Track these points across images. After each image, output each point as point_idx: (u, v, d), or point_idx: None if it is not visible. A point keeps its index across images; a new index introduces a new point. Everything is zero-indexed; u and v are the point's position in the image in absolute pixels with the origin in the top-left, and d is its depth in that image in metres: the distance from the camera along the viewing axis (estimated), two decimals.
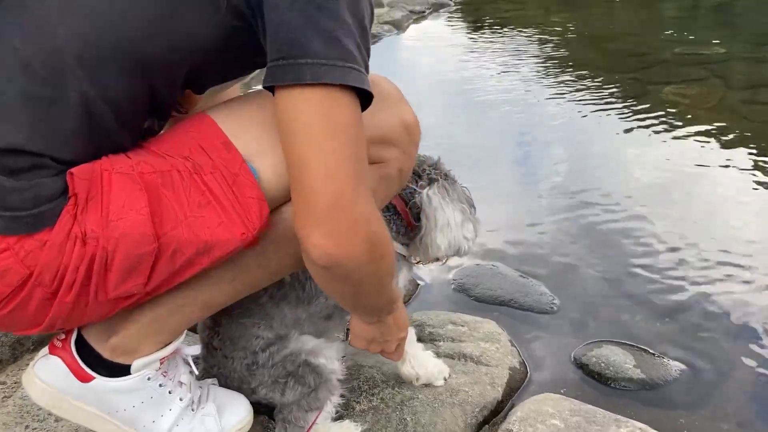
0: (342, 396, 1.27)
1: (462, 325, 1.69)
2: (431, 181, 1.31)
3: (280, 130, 0.85)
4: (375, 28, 5.81)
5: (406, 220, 1.30)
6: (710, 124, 3.30)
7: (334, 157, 0.82)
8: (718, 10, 6.83)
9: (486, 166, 3.00)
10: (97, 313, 0.96)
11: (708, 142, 3.11)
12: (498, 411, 1.45)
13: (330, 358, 1.22)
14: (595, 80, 4.16)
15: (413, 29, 6.29)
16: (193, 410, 1.14)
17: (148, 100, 0.93)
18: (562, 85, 4.11)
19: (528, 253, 2.19)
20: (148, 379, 1.06)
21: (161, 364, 1.07)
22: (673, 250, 2.17)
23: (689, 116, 3.44)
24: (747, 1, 7.08)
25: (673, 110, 3.53)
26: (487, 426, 1.40)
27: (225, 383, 1.24)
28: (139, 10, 0.86)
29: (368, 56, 0.88)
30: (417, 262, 1.43)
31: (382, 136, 1.07)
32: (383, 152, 1.08)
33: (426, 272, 2.05)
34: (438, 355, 1.54)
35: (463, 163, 2.97)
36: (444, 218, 1.27)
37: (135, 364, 1.04)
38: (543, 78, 4.29)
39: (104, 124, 0.90)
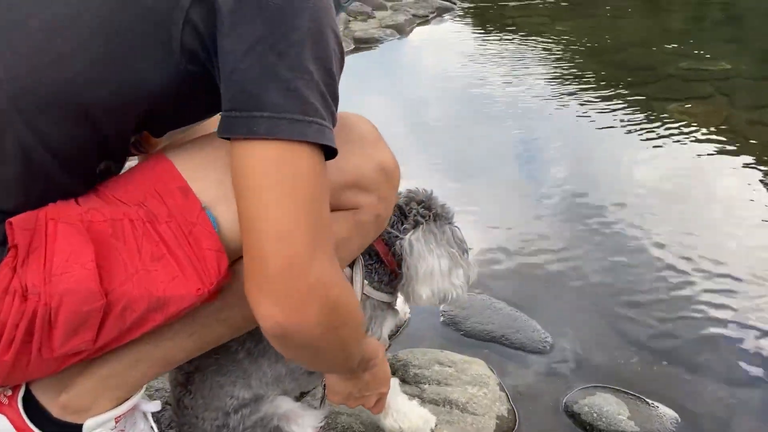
0: None
1: (449, 366, 1.61)
2: (417, 224, 1.22)
3: (234, 184, 0.78)
4: (377, 32, 5.72)
5: (390, 267, 1.22)
6: (715, 146, 3.22)
7: (287, 218, 0.75)
8: (726, 23, 6.73)
9: (484, 184, 2.92)
10: (41, 370, 0.88)
11: (713, 165, 3.02)
12: None
13: (303, 426, 1.14)
14: (600, 94, 4.07)
15: (416, 34, 6.18)
16: None
17: (97, 146, 0.85)
18: (565, 98, 4.02)
19: (522, 284, 2.10)
20: None
21: (116, 422, 0.99)
22: (675, 287, 2.07)
23: (694, 136, 3.35)
24: (755, 15, 6.99)
25: (678, 130, 3.44)
26: None
27: None
28: (81, 51, 0.78)
29: (336, 105, 0.81)
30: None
31: (356, 181, 1.00)
32: (358, 198, 1.01)
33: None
34: (423, 400, 1.46)
35: (460, 181, 2.90)
36: (426, 267, 1.19)
37: (87, 424, 0.96)
38: (546, 90, 4.20)
39: (47, 172, 0.82)
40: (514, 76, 4.54)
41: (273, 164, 0.75)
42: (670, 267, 2.18)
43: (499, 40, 5.72)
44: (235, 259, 0.90)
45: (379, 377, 1.15)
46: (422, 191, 1.28)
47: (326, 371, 1.09)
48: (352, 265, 1.20)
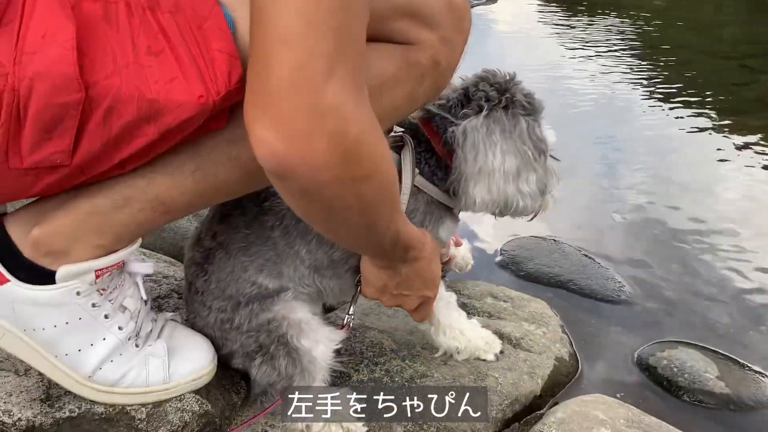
0: (340, 362, 1.00)
1: (505, 301, 1.39)
2: (481, 109, 0.98)
3: None
4: None
5: (442, 158, 1.00)
6: None
7: (301, 18, 0.57)
8: None
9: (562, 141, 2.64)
10: (9, 186, 0.73)
11: None
12: (534, 408, 1.15)
13: (316, 341, 0.95)
14: (699, 65, 3.69)
15: (504, 1, 5.87)
16: (137, 346, 0.90)
17: None
18: (659, 69, 3.67)
19: (599, 233, 1.84)
20: (78, 293, 0.83)
21: (97, 277, 0.83)
22: None
23: None
24: None
25: None
26: (517, 424, 1.11)
27: None
28: None
29: None
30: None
31: (413, 8, 0.80)
32: (413, 31, 0.81)
33: (467, 237, 1.74)
34: None
35: None
36: (484, 162, 0.94)
37: (61, 272, 0.81)
38: (640, 62, 3.85)
39: None
40: (602, 51, 4.19)
41: None
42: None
43: (591, 13, 5.35)
44: None
45: (425, 275, 0.95)
46: (502, 73, 1.04)
47: (349, 244, 0.90)
48: (399, 152, 1.00)
